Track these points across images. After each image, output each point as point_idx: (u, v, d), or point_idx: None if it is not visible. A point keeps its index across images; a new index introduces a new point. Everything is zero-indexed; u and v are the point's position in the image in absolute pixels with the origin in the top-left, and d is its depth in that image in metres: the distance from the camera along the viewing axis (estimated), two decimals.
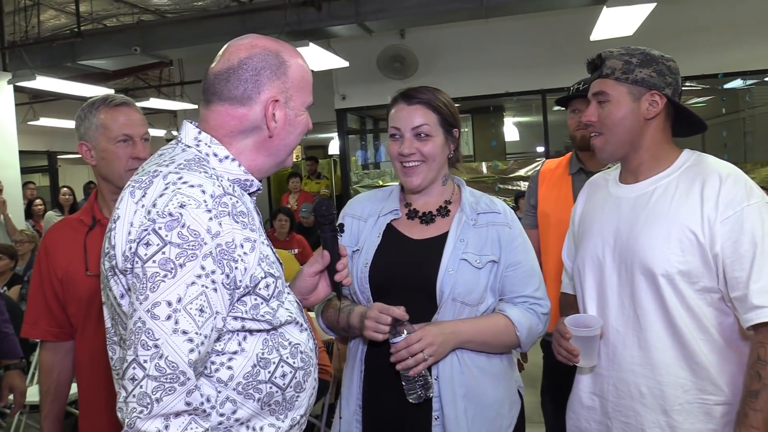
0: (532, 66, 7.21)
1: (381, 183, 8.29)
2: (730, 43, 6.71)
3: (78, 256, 1.92)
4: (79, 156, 1.98)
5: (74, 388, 2.02)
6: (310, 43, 5.64)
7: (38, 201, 8.39)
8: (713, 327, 1.58)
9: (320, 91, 8.60)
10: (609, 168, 1.89)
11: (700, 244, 1.55)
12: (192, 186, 1.19)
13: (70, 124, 8.94)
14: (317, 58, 6.17)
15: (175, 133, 1.41)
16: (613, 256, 1.68)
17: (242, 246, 1.20)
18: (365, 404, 1.76)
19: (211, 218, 1.17)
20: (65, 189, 8.32)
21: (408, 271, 1.74)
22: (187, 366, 1.11)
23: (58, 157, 12.14)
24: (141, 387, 1.10)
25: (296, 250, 6.06)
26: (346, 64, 6.68)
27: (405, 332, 1.62)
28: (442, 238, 1.76)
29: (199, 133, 1.32)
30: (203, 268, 1.14)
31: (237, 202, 1.24)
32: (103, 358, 1.47)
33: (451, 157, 1.83)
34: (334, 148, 12.08)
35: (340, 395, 1.85)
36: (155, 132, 9.36)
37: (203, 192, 1.18)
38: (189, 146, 1.31)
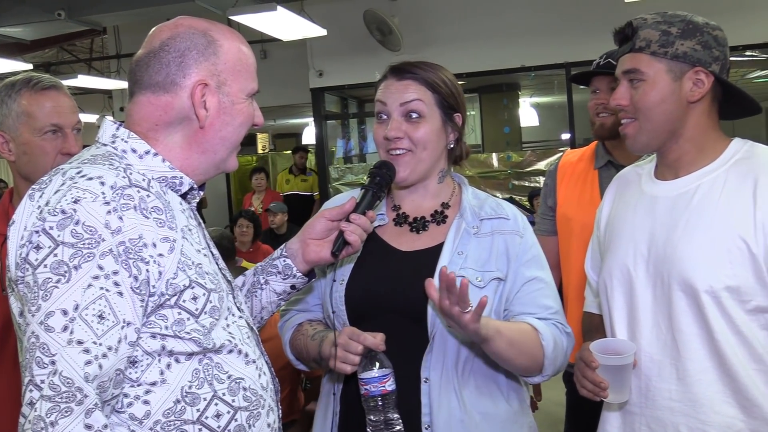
0: (555, 34, 7.24)
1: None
2: None
3: None
4: None
5: None
6: (279, 7, 5.66)
7: None
8: None
9: (291, 66, 8.64)
10: (642, 160, 1.92)
11: (752, 254, 1.58)
12: (90, 178, 1.26)
13: None
14: (287, 24, 6.19)
15: (109, 118, 1.47)
16: (646, 269, 1.71)
17: (155, 246, 1.27)
18: None
19: (109, 211, 1.23)
20: None
21: (393, 291, 1.76)
22: (83, 381, 1.16)
23: None
24: (36, 410, 1.15)
25: None
26: (323, 32, 6.69)
27: (378, 365, 1.63)
28: (436, 250, 1.78)
29: (117, 129, 1.39)
30: (101, 268, 1.20)
31: (148, 195, 1.30)
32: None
33: (452, 149, 1.85)
34: (309, 136, 12.09)
35: None
36: (85, 117, 9.30)
37: (102, 183, 1.25)
38: (105, 144, 1.39)
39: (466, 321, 1.56)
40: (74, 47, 10.57)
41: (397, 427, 1.63)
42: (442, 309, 1.57)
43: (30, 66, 7.58)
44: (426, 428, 1.70)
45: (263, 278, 1.71)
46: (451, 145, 1.85)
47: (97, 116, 11.03)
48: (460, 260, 1.75)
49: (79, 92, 10.13)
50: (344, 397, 1.79)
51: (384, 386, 1.62)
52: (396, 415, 1.63)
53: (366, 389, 1.63)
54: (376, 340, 1.63)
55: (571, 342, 1.82)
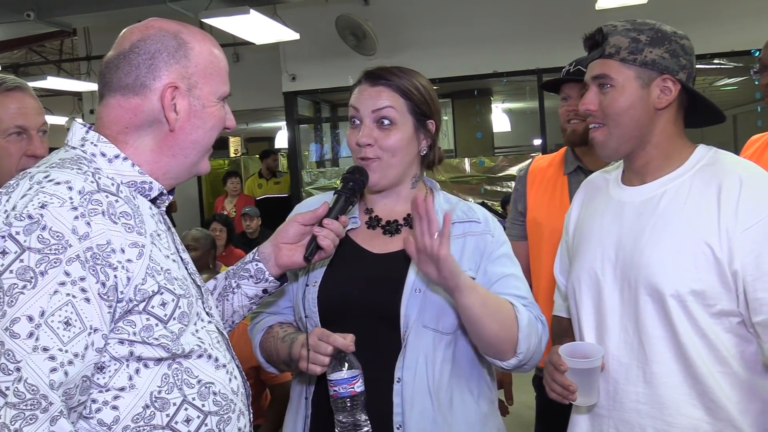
0: (526, 41, 7.32)
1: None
2: (765, 12, 6.89)
3: None
4: None
5: None
6: (251, 10, 5.66)
7: None
8: (732, 357, 1.64)
9: (264, 69, 8.63)
10: (610, 166, 1.95)
11: (716, 258, 1.61)
12: (58, 183, 1.25)
13: None
14: (260, 28, 6.19)
15: (79, 120, 1.46)
16: (614, 273, 1.74)
17: (123, 251, 1.26)
18: None
19: (77, 217, 1.22)
20: None
21: (366, 292, 1.77)
22: (48, 388, 1.15)
23: None
24: (0, 417, 1.13)
25: None
26: (296, 36, 6.70)
27: (347, 366, 1.63)
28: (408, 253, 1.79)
29: (87, 132, 1.38)
30: (68, 274, 1.19)
31: (117, 201, 1.30)
32: None
33: (425, 155, 1.87)
34: (281, 140, 12.07)
35: None
36: (54, 119, 9.24)
37: (69, 189, 1.24)
38: (74, 147, 1.38)
39: (439, 251, 1.58)
40: (43, 48, 10.46)
41: (365, 428, 1.64)
42: (422, 246, 1.60)
43: None
44: (398, 428, 1.71)
45: (235, 282, 1.71)
46: (424, 151, 1.86)
47: (66, 118, 10.92)
48: None
49: (48, 94, 10.03)
50: (315, 401, 1.80)
51: (353, 387, 1.62)
52: (364, 417, 1.63)
53: (335, 390, 1.63)
54: (345, 341, 1.63)
55: (545, 330, 1.80)
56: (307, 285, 1.81)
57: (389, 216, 1.87)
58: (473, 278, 1.77)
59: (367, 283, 1.78)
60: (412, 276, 1.76)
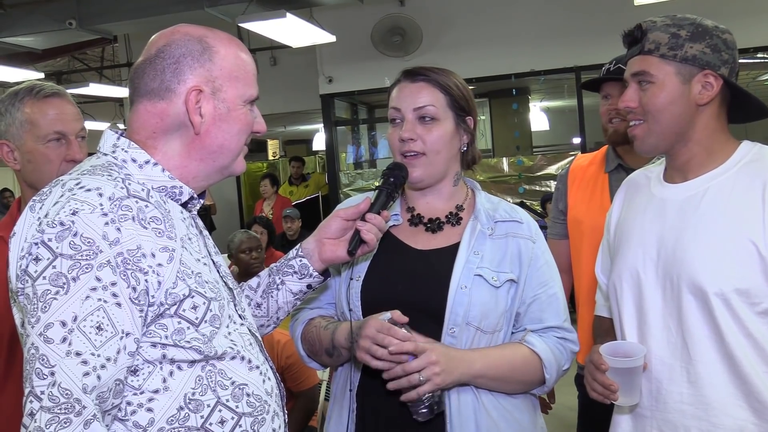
0: (564, 38, 7.26)
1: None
2: None
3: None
4: None
5: None
6: (288, 14, 5.70)
7: None
8: None
9: (301, 72, 8.69)
10: (651, 164, 1.93)
11: (761, 256, 1.58)
12: (88, 190, 1.27)
13: None
14: (297, 31, 6.22)
15: (121, 126, 1.48)
16: (656, 271, 1.72)
17: (154, 255, 1.28)
18: None
19: (107, 223, 1.24)
20: None
21: (410, 287, 1.79)
22: (81, 392, 1.17)
23: None
24: (36, 421, 1.16)
25: None
26: (332, 38, 6.73)
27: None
28: (452, 249, 1.81)
29: (118, 138, 1.40)
30: (99, 279, 1.21)
31: (147, 206, 1.32)
32: None
33: (465, 152, 1.88)
34: (319, 142, 12.13)
35: None
36: (97, 125, 9.40)
37: (100, 195, 1.26)
38: (105, 154, 1.40)
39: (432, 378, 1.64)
40: (85, 56, 10.63)
41: (438, 394, 1.68)
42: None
43: (42, 75, 7.65)
44: (448, 422, 1.73)
45: (279, 278, 1.73)
46: (464, 148, 1.88)
47: (108, 124, 11.09)
48: (476, 260, 1.78)
49: (91, 100, 10.21)
50: (362, 394, 1.80)
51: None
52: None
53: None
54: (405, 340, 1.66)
55: (572, 361, 1.87)
56: (351, 279, 1.83)
57: (431, 214, 1.88)
58: (512, 280, 1.78)
59: (411, 278, 1.80)
60: (457, 272, 1.77)
